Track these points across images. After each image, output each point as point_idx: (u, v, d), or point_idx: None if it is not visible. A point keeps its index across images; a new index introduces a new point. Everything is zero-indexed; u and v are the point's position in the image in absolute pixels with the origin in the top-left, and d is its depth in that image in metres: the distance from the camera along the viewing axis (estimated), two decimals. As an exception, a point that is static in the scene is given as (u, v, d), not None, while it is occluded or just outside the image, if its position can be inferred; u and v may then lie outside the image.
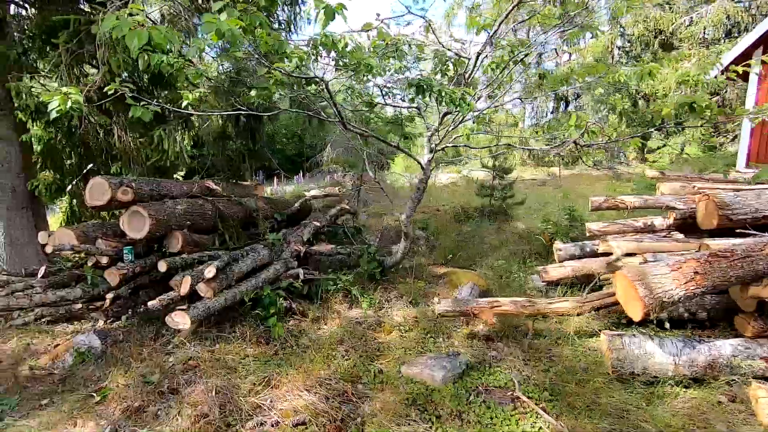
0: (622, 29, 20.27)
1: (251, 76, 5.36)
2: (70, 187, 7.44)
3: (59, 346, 4.18)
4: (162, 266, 3.82)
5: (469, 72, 3.57)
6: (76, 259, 5.00)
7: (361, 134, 4.14)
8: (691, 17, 18.38)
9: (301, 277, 4.45)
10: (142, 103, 3.29)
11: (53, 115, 2.67)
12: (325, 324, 4.14)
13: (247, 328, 3.98)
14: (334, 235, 6.03)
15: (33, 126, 7.20)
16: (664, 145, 17.79)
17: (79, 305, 4.98)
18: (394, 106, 4.55)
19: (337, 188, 9.87)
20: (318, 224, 5.67)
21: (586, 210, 5.41)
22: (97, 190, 3.80)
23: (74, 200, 7.66)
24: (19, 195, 6.88)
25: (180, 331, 3.88)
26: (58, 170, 7.09)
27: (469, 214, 7.24)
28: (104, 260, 4.00)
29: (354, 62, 2.99)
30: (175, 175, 8.28)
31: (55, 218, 9.18)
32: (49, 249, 3.79)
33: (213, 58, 6.86)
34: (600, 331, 3.53)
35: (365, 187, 6.83)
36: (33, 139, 7.03)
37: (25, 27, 6.28)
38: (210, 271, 3.69)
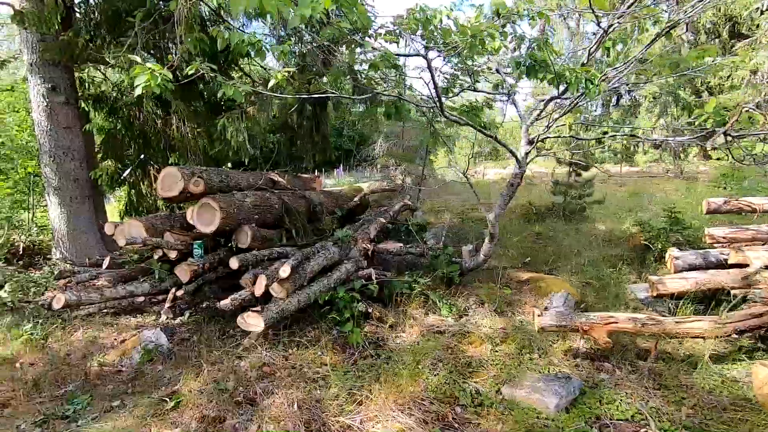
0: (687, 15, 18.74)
1: (318, 62, 5.05)
2: (129, 176, 7.44)
3: (126, 341, 4.03)
4: (234, 263, 3.56)
5: (594, 49, 3.06)
6: (141, 251, 4.86)
7: (457, 122, 3.73)
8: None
9: (374, 278, 4.10)
10: (231, 82, 3.00)
11: (138, 91, 2.42)
12: (403, 331, 3.78)
13: (321, 333, 3.68)
14: (395, 233, 5.66)
15: (95, 115, 7.22)
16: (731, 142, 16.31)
17: (142, 298, 4.87)
18: (484, 93, 4.10)
19: (385, 182, 9.52)
20: (383, 221, 5.32)
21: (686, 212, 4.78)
22: (170, 181, 3.58)
23: (132, 190, 7.66)
24: (82, 184, 6.92)
25: (250, 333, 3.62)
26: (118, 160, 7.08)
27: (540, 212, 6.69)
28: (173, 254, 3.80)
29: (460, 38, 2.56)
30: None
31: (109, 207, 9.28)
32: (122, 241, 3.62)
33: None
34: (740, 355, 2.97)
35: (420, 182, 6.42)
36: (94, 129, 7.04)
37: (91, 14, 6.23)
38: (285, 270, 3.40)
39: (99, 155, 7.44)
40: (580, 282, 4.68)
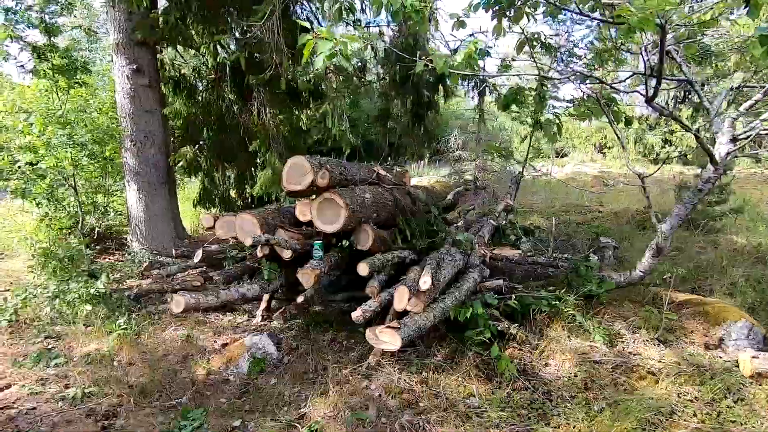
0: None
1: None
2: (204, 163, 7.20)
3: (229, 346, 3.67)
4: (363, 270, 3.10)
5: None
6: (238, 245, 4.50)
7: (661, 112, 3.09)
8: None
9: (503, 289, 3.54)
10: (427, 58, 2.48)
11: (319, 64, 1.95)
12: (550, 357, 3.20)
13: (456, 354, 3.17)
14: (501, 236, 5.07)
15: (173, 99, 7.00)
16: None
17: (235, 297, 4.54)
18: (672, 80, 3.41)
19: (462, 179, 8.91)
20: (494, 223, 4.74)
21: None
22: (296, 172, 3.14)
23: (206, 178, 7.43)
24: (161, 170, 6.70)
25: (374, 350, 3.16)
26: (196, 146, 6.83)
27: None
28: (286, 254, 3.38)
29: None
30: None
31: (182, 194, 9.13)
32: (248, 241, 3.22)
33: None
34: None
35: (519, 180, 5.76)
36: (173, 113, 6.81)
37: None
38: (425, 281, 2.89)
39: (177, 140, 7.24)
40: (742, 306, 3.94)
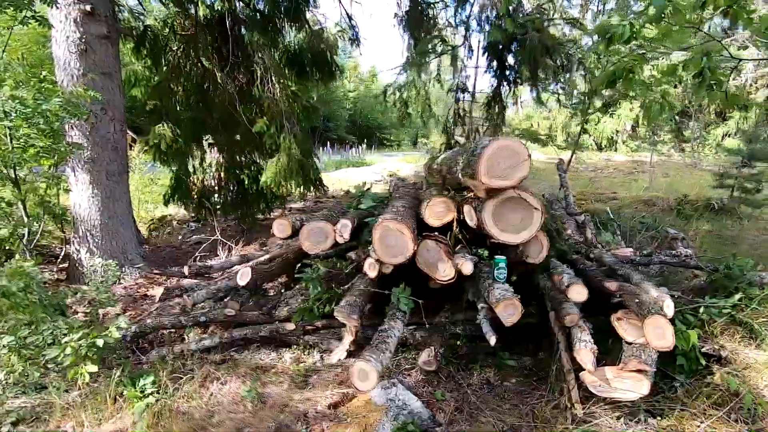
0: None
1: None
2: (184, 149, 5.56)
3: (345, 407, 2.56)
4: (579, 294, 2.25)
5: None
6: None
7: None
8: None
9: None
10: None
11: None
12: (763, 377, 2.71)
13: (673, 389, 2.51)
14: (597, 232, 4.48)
15: (136, 59, 5.23)
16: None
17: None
18: None
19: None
20: (582, 218, 4.16)
21: None
22: (505, 160, 2.04)
23: (181, 166, 5.76)
24: (121, 155, 4.96)
25: (571, 395, 2.35)
26: (175, 125, 5.19)
27: (696, 208, 5.87)
28: (467, 269, 2.35)
29: None
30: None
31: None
32: (396, 259, 2.10)
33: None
34: None
35: (567, 165, 5.32)
36: (137, 81, 5.07)
37: None
38: (669, 306, 2.17)
39: (138, 116, 5.46)
40: None
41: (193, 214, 6.15)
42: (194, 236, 6.56)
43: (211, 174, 5.89)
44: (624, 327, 2.30)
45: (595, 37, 2.98)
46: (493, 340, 2.17)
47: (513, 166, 2.03)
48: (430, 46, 5.75)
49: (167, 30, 5.22)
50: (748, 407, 2.37)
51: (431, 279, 2.57)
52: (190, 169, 5.85)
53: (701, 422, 2.30)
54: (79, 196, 4.73)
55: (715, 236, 5.12)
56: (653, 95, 3.97)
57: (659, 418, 2.33)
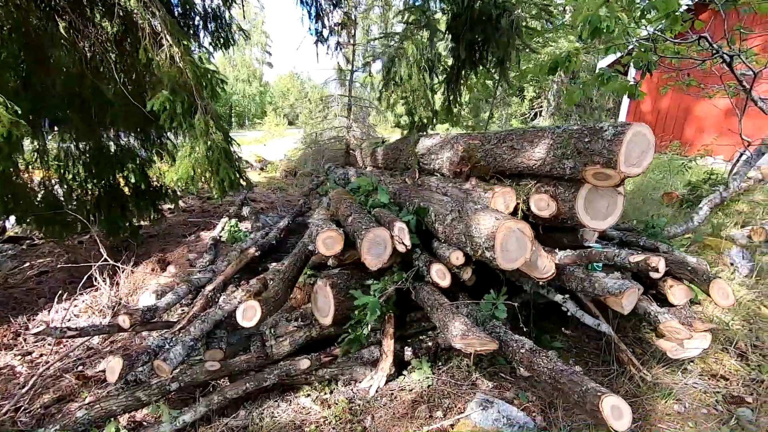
0: None
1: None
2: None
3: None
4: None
5: None
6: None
7: None
8: None
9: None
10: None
11: None
12: None
13: None
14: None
15: None
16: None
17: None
18: None
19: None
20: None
21: None
22: (639, 147, 1.85)
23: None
24: None
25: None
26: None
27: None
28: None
29: None
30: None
31: None
32: (518, 260, 1.71)
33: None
34: None
35: None
36: None
37: None
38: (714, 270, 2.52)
39: None
40: None
41: (33, 229, 4.13)
42: (26, 264, 4.47)
43: (68, 169, 4.00)
44: (674, 293, 2.58)
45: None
46: (605, 328, 2.13)
47: (644, 152, 1.98)
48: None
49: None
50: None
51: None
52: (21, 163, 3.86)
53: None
54: None
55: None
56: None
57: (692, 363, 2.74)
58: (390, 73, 4.24)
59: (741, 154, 4.01)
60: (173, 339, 2.28)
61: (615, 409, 1.43)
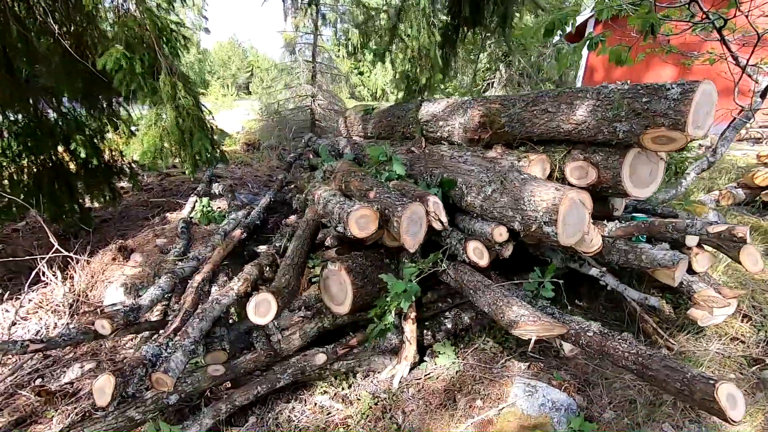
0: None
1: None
2: None
3: (494, 427, 1.97)
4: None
5: None
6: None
7: None
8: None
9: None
10: None
11: None
12: None
13: None
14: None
15: None
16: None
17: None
18: None
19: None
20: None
21: None
22: (704, 108, 1.65)
23: None
24: None
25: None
26: None
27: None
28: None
29: None
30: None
31: None
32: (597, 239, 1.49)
33: None
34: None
35: None
36: None
37: None
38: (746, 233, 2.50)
39: None
40: None
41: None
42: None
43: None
44: (698, 260, 2.54)
45: None
46: (654, 301, 2.03)
47: (707, 113, 1.82)
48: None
49: None
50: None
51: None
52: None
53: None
54: None
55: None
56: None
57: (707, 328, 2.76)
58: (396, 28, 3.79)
59: (733, 119, 4.08)
60: (170, 344, 1.88)
61: (730, 398, 1.30)
